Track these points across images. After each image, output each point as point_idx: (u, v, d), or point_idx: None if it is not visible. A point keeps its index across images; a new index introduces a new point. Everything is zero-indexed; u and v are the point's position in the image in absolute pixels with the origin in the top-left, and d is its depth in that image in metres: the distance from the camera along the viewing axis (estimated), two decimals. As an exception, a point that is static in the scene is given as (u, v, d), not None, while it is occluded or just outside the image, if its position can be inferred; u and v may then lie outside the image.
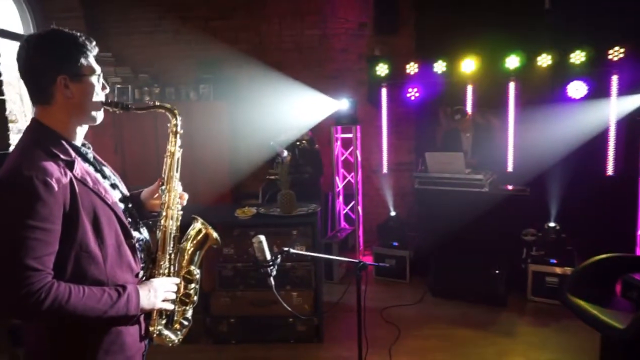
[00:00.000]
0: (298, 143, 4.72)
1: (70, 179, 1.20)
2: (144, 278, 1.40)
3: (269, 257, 1.83)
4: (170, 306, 1.40)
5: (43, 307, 1.10)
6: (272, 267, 1.83)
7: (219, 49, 5.12)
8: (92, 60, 1.32)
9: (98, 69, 1.34)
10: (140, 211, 1.54)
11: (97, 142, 4.50)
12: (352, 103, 4.76)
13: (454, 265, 3.87)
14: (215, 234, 1.62)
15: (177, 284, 1.44)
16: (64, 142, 1.26)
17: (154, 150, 4.95)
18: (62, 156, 1.22)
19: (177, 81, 5.18)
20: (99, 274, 1.23)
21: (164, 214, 1.47)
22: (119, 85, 5.05)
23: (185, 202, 1.57)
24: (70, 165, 1.22)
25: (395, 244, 4.42)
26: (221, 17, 5.18)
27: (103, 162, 1.49)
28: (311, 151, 4.74)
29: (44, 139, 1.24)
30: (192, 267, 1.53)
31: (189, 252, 1.54)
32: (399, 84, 4.91)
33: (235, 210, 3.26)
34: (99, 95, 1.33)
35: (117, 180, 1.48)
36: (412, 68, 4.80)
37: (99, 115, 1.37)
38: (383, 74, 4.90)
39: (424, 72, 4.78)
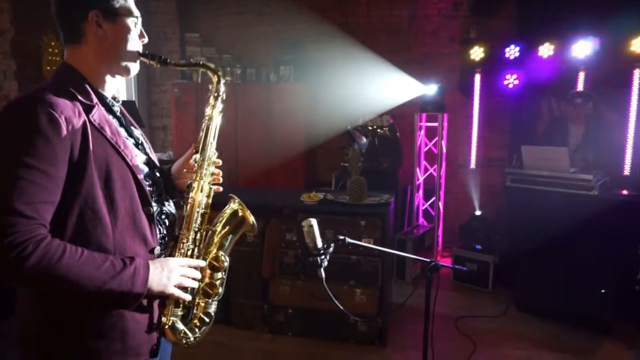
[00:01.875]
0: (378, 129, 4.43)
1: (84, 122, 1.04)
2: (162, 256, 1.20)
3: (320, 244, 1.58)
4: (186, 295, 1.17)
5: (28, 263, 0.91)
6: (322, 257, 1.57)
7: (302, 29, 4.95)
8: (130, 1, 1.17)
9: (137, 12, 1.19)
10: (169, 186, 1.35)
11: (179, 120, 4.43)
12: (440, 89, 4.34)
13: (547, 277, 3.33)
14: (252, 219, 1.39)
15: (200, 269, 1.22)
16: (87, 86, 1.12)
17: (232, 130, 4.94)
18: (80, 97, 1.07)
19: (258, 62, 5.11)
20: (105, 239, 1.05)
21: (194, 185, 1.26)
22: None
23: (220, 176, 1.37)
24: (88, 108, 1.07)
25: (479, 247, 3.95)
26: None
27: (133, 122, 1.32)
28: (391, 139, 4.42)
29: (67, 79, 1.11)
30: (221, 253, 1.30)
31: (220, 235, 1.32)
32: (495, 70, 4.37)
33: (302, 195, 3.06)
34: (134, 43, 1.18)
35: (146, 145, 1.31)
36: (512, 52, 4.25)
37: (133, 67, 1.22)
38: (477, 59, 4.40)
39: (525, 56, 4.21)
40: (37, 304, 1.07)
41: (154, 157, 1.32)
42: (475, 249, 3.94)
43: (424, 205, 4.75)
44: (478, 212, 4.24)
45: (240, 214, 1.38)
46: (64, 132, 0.98)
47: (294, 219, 2.98)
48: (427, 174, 4.70)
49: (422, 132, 4.61)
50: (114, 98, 1.23)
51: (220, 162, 1.37)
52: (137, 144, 1.24)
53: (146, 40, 1.24)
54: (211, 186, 1.32)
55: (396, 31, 4.81)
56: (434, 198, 4.52)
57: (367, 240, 2.87)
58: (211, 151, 1.32)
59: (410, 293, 3.32)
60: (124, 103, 3.96)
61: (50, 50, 3.45)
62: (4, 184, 0.93)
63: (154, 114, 5.58)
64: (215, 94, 1.34)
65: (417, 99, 4.47)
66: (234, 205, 1.39)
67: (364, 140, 4.38)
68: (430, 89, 4.33)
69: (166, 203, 1.28)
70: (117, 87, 1.24)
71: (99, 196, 1.04)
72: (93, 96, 1.12)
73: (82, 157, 1.02)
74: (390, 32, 4.82)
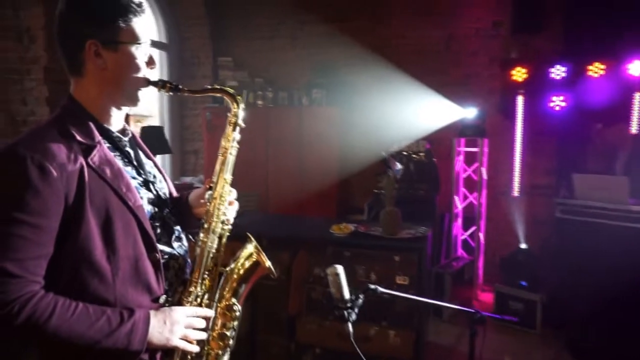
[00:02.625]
0: (414, 155, 4.23)
1: (81, 167, 0.96)
2: (167, 304, 1.07)
3: (347, 295, 1.39)
4: (193, 347, 1.06)
5: (16, 323, 0.87)
6: (350, 310, 1.37)
7: (335, 53, 4.85)
8: (136, 25, 1.05)
9: (143, 38, 1.07)
10: (185, 218, 1.24)
11: (210, 143, 4.33)
12: (480, 113, 4.11)
13: (607, 321, 2.98)
14: (268, 263, 1.24)
15: (208, 319, 1.10)
16: (90, 123, 1.04)
17: (263, 155, 4.85)
18: (78, 137, 0.99)
19: (291, 85, 5.03)
20: (104, 290, 0.97)
21: (205, 225, 1.14)
22: (234, 87, 5.07)
23: (233, 214, 1.22)
24: (87, 150, 0.99)
25: (524, 283, 3.62)
26: (339, 19, 4.90)
27: (149, 153, 1.23)
28: (428, 165, 4.19)
29: (68, 115, 1.04)
30: (234, 301, 1.17)
31: (234, 280, 1.18)
32: (539, 92, 4.10)
33: (331, 225, 2.88)
34: (141, 71, 1.08)
35: (159, 178, 1.20)
36: (558, 72, 3.98)
37: (141, 96, 1.10)
38: (520, 80, 4.15)
39: (573, 77, 3.93)
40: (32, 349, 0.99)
41: (166, 190, 1.22)
42: (520, 286, 3.61)
43: (463, 235, 4.46)
44: (523, 245, 3.91)
45: (255, 257, 1.23)
46: (56, 181, 0.92)
47: (322, 252, 2.80)
48: (466, 202, 4.42)
49: (461, 157, 4.36)
50: (123, 131, 1.13)
51: (235, 202, 1.23)
52: (147, 181, 1.13)
53: (156, 67, 1.13)
54: (224, 226, 1.18)
55: (432, 53, 4.62)
56: (474, 228, 4.24)
57: (402, 279, 2.64)
58: (225, 189, 1.19)
59: (457, 334, 3.07)
60: (152, 129, 3.86)
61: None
62: None
63: (186, 138, 5.58)
64: (233, 123, 1.20)
65: (455, 123, 4.25)
66: (249, 247, 1.25)
67: (399, 166, 4.17)
68: (469, 113, 4.10)
69: (176, 244, 1.17)
70: (122, 116, 1.14)
71: (97, 245, 0.96)
72: (96, 134, 1.03)
73: (78, 205, 0.95)
74: (426, 54, 4.64)
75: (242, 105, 1.21)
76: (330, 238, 2.79)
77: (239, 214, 3.61)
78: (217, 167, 1.19)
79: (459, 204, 4.38)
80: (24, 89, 3.35)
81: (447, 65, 4.56)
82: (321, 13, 4.97)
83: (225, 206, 1.18)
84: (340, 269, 1.37)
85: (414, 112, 4.34)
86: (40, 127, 1.01)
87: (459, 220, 4.42)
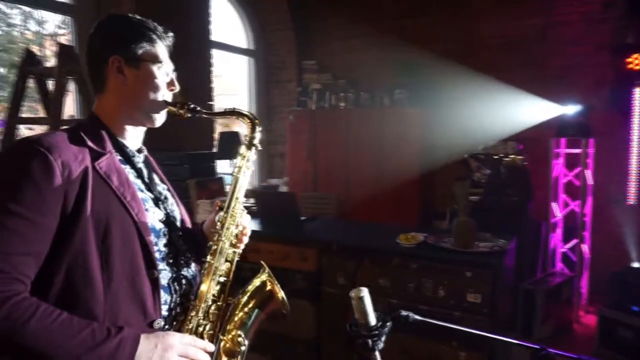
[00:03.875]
0: (502, 158, 3.86)
1: (85, 169, 0.94)
2: (165, 328, 1.01)
3: (373, 321, 1.25)
4: None
5: None
6: (376, 339, 1.24)
7: (417, 51, 4.62)
8: (159, 49, 1.09)
9: (166, 61, 1.10)
10: (200, 247, 1.19)
11: (293, 146, 4.37)
12: (584, 109, 3.60)
13: None
14: (281, 295, 1.15)
15: (208, 352, 1.00)
16: (104, 134, 1.04)
17: (344, 158, 4.80)
18: (89, 143, 0.99)
19: (373, 86, 4.91)
20: (94, 303, 0.91)
21: (213, 247, 1.08)
22: (317, 89, 5.10)
23: (246, 239, 1.16)
24: (96, 156, 0.98)
25: (636, 308, 3.09)
26: (421, 15, 4.67)
27: (164, 178, 1.21)
28: (519, 169, 3.80)
29: (84, 125, 1.05)
30: (240, 334, 1.08)
31: (243, 310, 1.10)
32: (662, 82, 3.48)
33: (399, 235, 2.72)
34: (160, 91, 1.08)
35: (171, 202, 1.17)
36: (688, 58, 3.34)
37: (158, 117, 1.12)
38: (637, 68, 3.55)
39: None
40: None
41: (178, 215, 1.18)
42: (631, 311, 3.08)
43: (562, 247, 3.95)
44: (636, 264, 3.34)
45: (268, 286, 1.15)
46: (58, 178, 0.89)
47: (388, 262, 2.65)
48: (567, 210, 3.92)
49: (561, 160, 3.87)
50: (139, 150, 1.14)
51: (247, 226, 1.18)
52: (158, 200, 1.11)
53: (177, 89, 1.14)
54: (235, 250, 1.12)
55: (525, 44, 4.17)
56: (576, 240, 3.73)
57: (474, 297, 2.39)
58: (237, 209, 1.14)
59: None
60: (229, 135, 4.00)
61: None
62: None
63: (272, 141, 5.73)
64: (249, 143, 1.17)
65: (552, 122, 3.78)
66: (262, 276, 1.17)
67: (485, 170, 3.84)
68: (569, 109, 3.62)
69: (183, 267, 1.11)
70: (139, 136, 1.15)
71: (93, 252, 0.92)
72: (108, 144, 1.03)
73: (77, 207, 0.91)
74: (517, 47, 4.20)
75: (258, 128, 1.17)
76: (395, 248, 2.64)
77: (312, 218, 3.54)
78: (230, 187, 1.15)
79: (558, 212, 3.89)
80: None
81: (541, 57, 4.09)
82: (404, 11, 4.77)
83: (236, 228, 1.13)
84: (365, 292, 1.24)
85: (502, 110, 3.96)
86: (55, 131, 1.03)
87: (558, 231, 3.93)
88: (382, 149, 4.62)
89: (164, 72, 1.10)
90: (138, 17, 1.11)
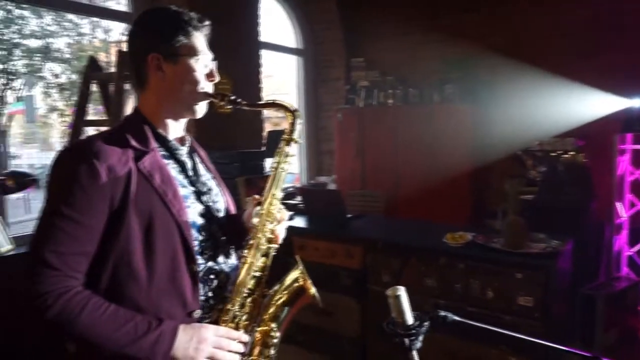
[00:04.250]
0: (560, 155, 3.67)
1: (130, 170, 0.99)
2: (204, 320, 1.06)
3: (410, 320, 1.24)
4: None
5: (48, 315, 0.90)
6: (414, 339, 1.23)
7: (468, 45, 4.47)
8: (196, 40, 1.10)
9: (203, 52, 1.11)
10: (240, 236, 1.22)
11: (341, 144, 4.39)
12: (653, 102, 3.34)
13: None
14: (313, 290, 1.17)
15: (242, 343, 1.05)
16: (147, 131, 1.08)
17: (393, 155, 4.75)
18: (133, 143, 1.04)
19: (421, 82, 4.81)
20: (138, 296, 0.98)
21: (250, 242, 1.11)
22: (365, 87, 5.07)
23: (283, 233, 1.18)
24: (139, 155, 1.03)
25: None
26: (472, 9, 4.50)
27: (209, 166, 1.26)
28: (578, 166, 3.59)
29: (129, 124, 1.11)
30: (273, 326, 1.12)
31: (276, 303, 1.13)
32: None
33: (446, 234, 2.66)
34: (199, 83, 1.10)
35: (215, 192, 1.21)
36: None
37: (199, 108, 1.14)
38: None
39: None
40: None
41: (222, 205, 1.22)
42: None
43: (628, 251, 3.69)
44: None
45: (300, 282, 1.17)
46: (103, 181, 0.95)
47: (434, 262, 2.60)
48: (633, 210, 3.65)
49: (627, 157, 3.61)
50: (182, 141, 1.17)
51: (284, 219, 1.19)
52: (199, 192, 1.15)
53: (217, 79, 1.16)
54: (270, 245, 1.15)
55: (582, 34, 3.90)
56: (643, 243, 3.47)
57: (525, 300, 2.30)
58: (274, 205, 1.16)
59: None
60: (275, 133, 4.10)
61: (220, 86, 3.83)
62: (41, 230, 0.94)
63: (322, 139, 5.77)
64: (288, 137, 1.18)
65: (617, 116, 3.53)
66: (296, 271, 1.19)
67: (541, 168, 3.66)
68: (636, 102, 3.37)
69: (221, 259, 1.15)
70: (181, 127, 1.18)
71: (137, 250, 0.98)
72: (151, 141, 1.08)
73: (122, 207, 0.97)
74: (577, 36, 3.94)
75: (298, 120, 1.18)
76: (442, 247, 2.58)
77: (358, 216, 3.54)
78: (268, 183, 1.17)
79: (624, 213, 3.64)
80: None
81: (603, 46, 3.81)
82: (455, 5, 4.63)
83: (272, 223, 1.15)
84: (402, 290, 1.23)
85: (560, 105, 3.75)
86: (101, 133, 1.08)
87: (624, 233, 3.67)
88: (431, 146, 4.52)
89: (202, 63, 1.11)
90: (174, 9, 1.11)
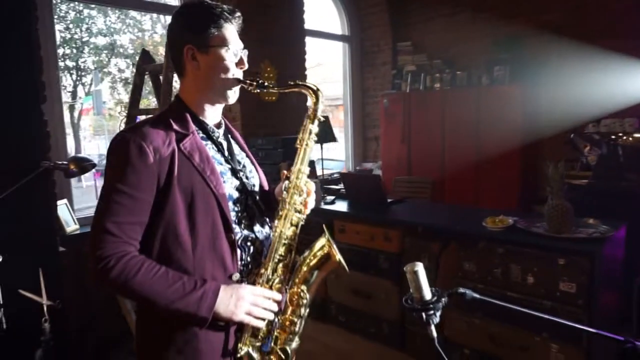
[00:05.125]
0: (619, 137, 3.45)
1: (173, 151, 1.11)
2: (240, 282, 1.18)
3: (428, 295, 1.26)
4: (258, 323, 1.15)
5: (110, 275, 1.03)
6: (431, 312, 1.25)
7: (520, 23, 4.28)
8: (226, 31, 1.19)
9: (233, 41, 1.20)
10: (271, 207, 1.33)
11: (387, 129, 4.45)
12: None
13: None
14: (338, 257, 1.25)
15: (276, 301, 1.17)
16: (188, 116, 1.19)
17: (439, 141, 4.68)
18: (175, 127, 1.15)
19: (470, 64, 4.68)
20: (185, 260, 1.11)
21: (280, 213, 1.22)
22: (411, 71, 5.00)
23: (311, 204, 1.27)
24: (181, 137, 1.14)
25: None
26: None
27: (244, 146, 1.37)
28: (638, 149, 3.37)
29: (171, 110, 1.22)
30: (303, 288, 1.22)
31: (306, 268, 1.24)
32: None
33: (486, 218, 2.61)
34: (230, 71, 1.20)
35: (249, 169, 1.33)
36: None
37: (231, 94, 1.23)
38: None
39: None
40: (139, 320, 1.21)
41: (257, 181, 1.33)
42: None
43: (695, 239, 3.42)
44: None
45: (326, 249, 1.26)
46: (151, 161, 1.07)
47: (473, 247, 2.57)
48: (702, 196, 3.37)
49: (695, 138, 3.33)
50: (219, 124, 1.28)
51: (312, 191, 1.28)
52: (235, 170, 1.25)
53: (245, 67, 1.24)
54: (299, 215, 1.24)
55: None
56: None
57: (567, 286, 2.22)
58: (301, 179, 1.24)
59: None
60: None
61: (265, 75, 3.94)
62: (102, 205, 1.07)
63: (367, 125, 5.77)
64: (312, 116, 1.25)
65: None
66: (322, 238, 1.28)
67: (597, 151, 3.46)
68: None
69: (256, 228, 1.26)
70: (218, 111, 1.28)
71: (181, 220, 1.10)
72: (191, 125, 1.18)
73: (168, 183, 1.09)
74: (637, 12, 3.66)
75: (321, 99, 1.25)
76: (482, 231, 2.54)
77: (398, 200, 3.56)
78: (296, 158, 1.25)
79: (691, 199, 3.37)
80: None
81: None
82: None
83: (302, 196, 1.24)
84: (419, 266, 1.26)
85: (619, 84, 3.51)
86: (148, 118, 1.22)
87: (690, 220, 3.40)
88: (479, 130, 4.41)
89: (232, 53, 1.19)
90: (207, 2, 1.21)
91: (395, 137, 5.00)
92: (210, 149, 1.21)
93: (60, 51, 12.99)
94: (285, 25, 4.17)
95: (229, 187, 1.20)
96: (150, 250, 1.11)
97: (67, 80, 13.95)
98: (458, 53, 4.87)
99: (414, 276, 1.26)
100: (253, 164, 1.37)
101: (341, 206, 3.34)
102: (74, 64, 13.96)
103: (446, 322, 2.70)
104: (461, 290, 1.28)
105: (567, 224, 2.33)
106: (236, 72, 1.21)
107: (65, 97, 13.76)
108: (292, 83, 1.27)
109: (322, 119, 1.27)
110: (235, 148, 1.32)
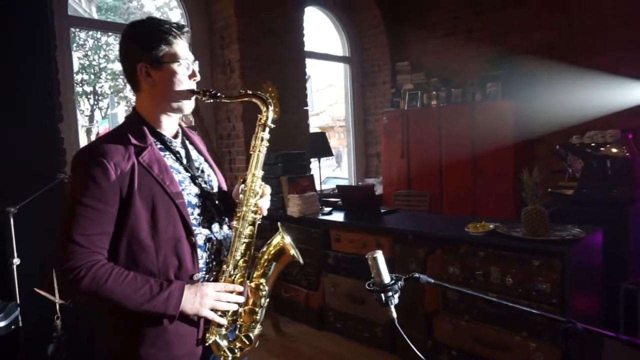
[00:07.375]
0: (600, 148, 3.59)
1: (133, 165, 1.18)
2: (202, 280, 1.28)
3: (387, 279, 1.43)
4: (220, 319, 1.25)
5: (82, 284, 1.10)
6: (390, 294, 1.42)
7: (512, 41, 4.48)
8: (177, 47, 1.25)
9: (184, 55, 1.26)
10: (231, 209, 1.40)
11: (387, 146, 4.66)
12: None
13: None
14: (292, 251, 1.39)
15: (239, 293, 1.28)
16: (145, 129, 1.25)
17: (437, 155, 4.84)
18: (133, 141, 1.21)
19: (465, 82, 4.87)
20: (150, 264, 1.19)
21: (237, 214, 1.32)
22: (410, 91, 5.21)
23: (265, 204, 1.38)
24: (139, 151, 1.21)
25: None
26: (517, 5, 4.51)
27: (202, 150, 1.45)
28: (622, 160, 3.49)
29: (129, 124, 1.27)
30: (262, 281, 1.35)
31: (264, 262, 1.38)
32: None
33: (468, 224, 2.76)
34: (184, 84, 1.26)
35: (207, 173, 1.40)
36: None
37: (186, 105, 1.29)
38: None
39: None
40: (111, 317, 1.26)
41: (215, 183, 1.41)
42: None
43: (683, 246, 3.50)
44: None
45: (281, 243, 1.40)
46: (113, 176, 1.14)
47: (456, 251, 2.71)
48: (688, 204, 3.46)
49: (678, 148, 3.45)
50: (176, 134, 1.35)
51: (266, 193, 1.38)
52: (194, 177, 1.32)
53: (198, 78, 1.30)
54: (255, 215, 1.34)
55: (633, 25, 3.78)
56: (698, 238, 3.28)
57: (542, 286, 2.36)
58: (255, 182, 1.33)
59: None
60: (317, 135, 4.42)
61: (267, 95, 4.17)
62: (69, 219, 1.14)
63: (369, 142, 5.97)
64: (263, 124, 1.34)
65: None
66: (278, 235, 1.42)
67: (580, 162, 3.60)
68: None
69: (215, 229, 1.34)
70: (174, 122, 1.33)
71: (144, 228, 1.18)
72: (149, 137, 1.24)
73: (129, 195, 1.17)
74: (626, 28, 3.82)
75: (271, 108, 1.33)
76: (464, 236, 2.69)
77: (391, 210, 3.72)
78: (250, 164, 1.34)
79: (677, 207, 3.46)
80: (229, 109, 4.26)
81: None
82: (497, 2, 4.66)
83: (256, 198, 1.33)
84: (379, 253, 1.42)
85: (602, 98, 3.66)
86: (107, 133, 1.26)
87: (678, 228, 3.48)
88: (474, 144, 4.56)
89: (184, 66, 1.25)
90: (157, 20, 1.25)
91: (395, 153, 5.18)
92: (168, 159, 1.27)
93: (79, 77, 13.53)
94: (286, 48, 4.43)
95: (188, 193, 1.27)
96: (117, 257, 1.17)
97: (84, 105, 14.50)
98: (453, 71, 5.07)
99: (375, 262, 1.43)
100: (211, 167, 1.43)
101: (337, 217, 3.52)
102: (91, 89, 14.53)
103: (435, 324, 2.83)
104: (416, 275, 1.44)
105: (542, 227, 2.46)
106: (189, 84, 1.27)
107: (84, 121, 14.24)
108: (243, 92, 1.34)
109: (272, 126, 1.37)
110: (194, 153, 1.39)
